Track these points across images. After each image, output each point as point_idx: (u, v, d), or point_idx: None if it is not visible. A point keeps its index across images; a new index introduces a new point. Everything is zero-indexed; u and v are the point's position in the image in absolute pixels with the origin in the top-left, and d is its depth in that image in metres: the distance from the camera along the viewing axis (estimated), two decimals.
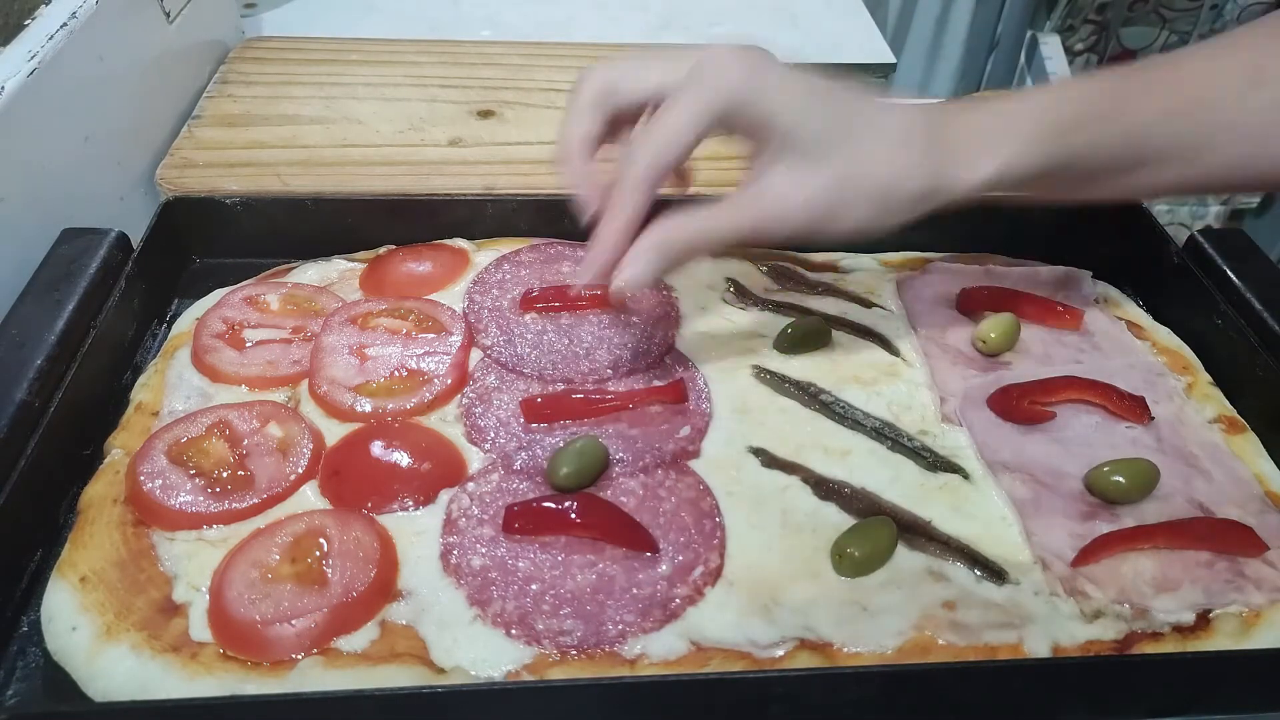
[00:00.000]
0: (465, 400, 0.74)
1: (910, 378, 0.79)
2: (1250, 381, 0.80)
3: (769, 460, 0.71)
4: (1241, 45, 0.69)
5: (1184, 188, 0.72)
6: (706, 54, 0.61)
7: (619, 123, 0.67)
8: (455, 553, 0.63)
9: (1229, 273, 0.87)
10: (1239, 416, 0.78)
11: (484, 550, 0.64)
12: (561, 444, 0.70)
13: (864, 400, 0.76)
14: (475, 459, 0.70)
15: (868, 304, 0.86)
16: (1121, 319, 0.87)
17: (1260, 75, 0.66)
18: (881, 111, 0.63)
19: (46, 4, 0.87)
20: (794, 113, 0.61)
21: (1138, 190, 0.71)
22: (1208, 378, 0.82)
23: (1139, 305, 0.90)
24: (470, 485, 0.68)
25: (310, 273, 0.86)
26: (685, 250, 0.64)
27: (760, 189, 0.63)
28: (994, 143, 0.64)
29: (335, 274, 0.86)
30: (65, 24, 0.85)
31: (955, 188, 0.64)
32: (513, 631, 0.59)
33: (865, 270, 0.90)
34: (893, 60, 1.37)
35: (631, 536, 0.64)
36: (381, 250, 0.88)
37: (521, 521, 0.64)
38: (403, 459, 0.69)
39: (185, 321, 0.81)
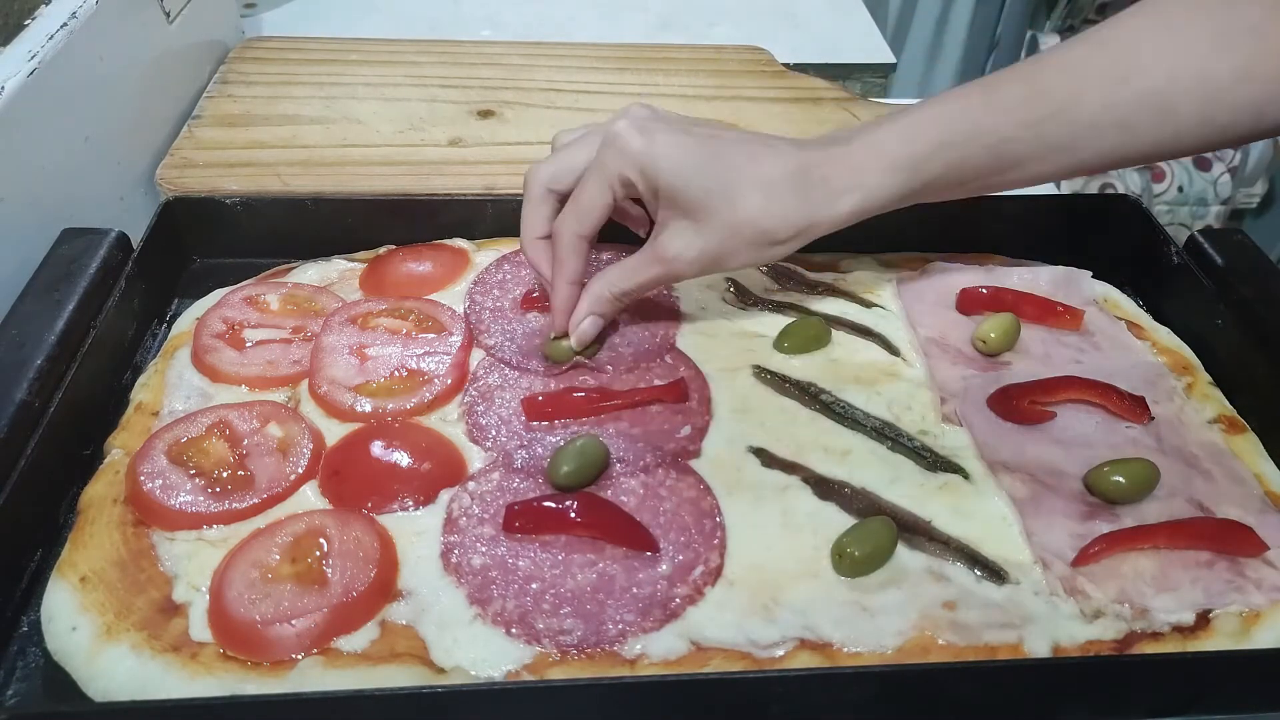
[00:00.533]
0: (467, 399, 0.75)
1: (910, 378, 0.79)
2: (1250, 381, 0.80)
3: (769, 460, 0.71)
4: (1109, 39, 0.71)
5: (1055, 178, 0.76)
6: (610, 131, 0.71)
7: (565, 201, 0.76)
8: (456, 552, 0.63)
9: (1229, 273, 0.87)
10: (1239, 416, 0.78)
11: (484, 549, 0.64)
12: (562, 443, 0.70)
13: (864, 400, 0.76)
14: (476, 458, 0.70)
15: (867, 304, 0.86)
16: (1121, 319, 0.87)
17: (1126, 71, 0.69)
18: (757, 163, 0.70)
19: (46, 4, 0.87)
20: (680, 180, 0.70)
21: (1010, 185, 0.75)
22: (1208, 378, 0.81)
23: (1139, 305, 0.90)
24: (471, 484, 0.68)
25: (310, 273, 0.86)
26: (614, 304, 0.76)
27: (659, 248, 0.73)
28: (854, 180, 0.71)
29: (335, 274, 0.86)
30: (65, 24, 0.85)
31: (822, 224, 0.72)
32: (513, 630, 0.59)
33: (865, 270, 0.90)
34: (893, 60, 1.37)
35: (632, 536, 0.64)
36: (381, 250, 0.88)
37: (522, 521, 0.65)
38: (403, 459, 0.69)
39: (185, 321, 0.81)
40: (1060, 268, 0.90)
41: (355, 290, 0.84)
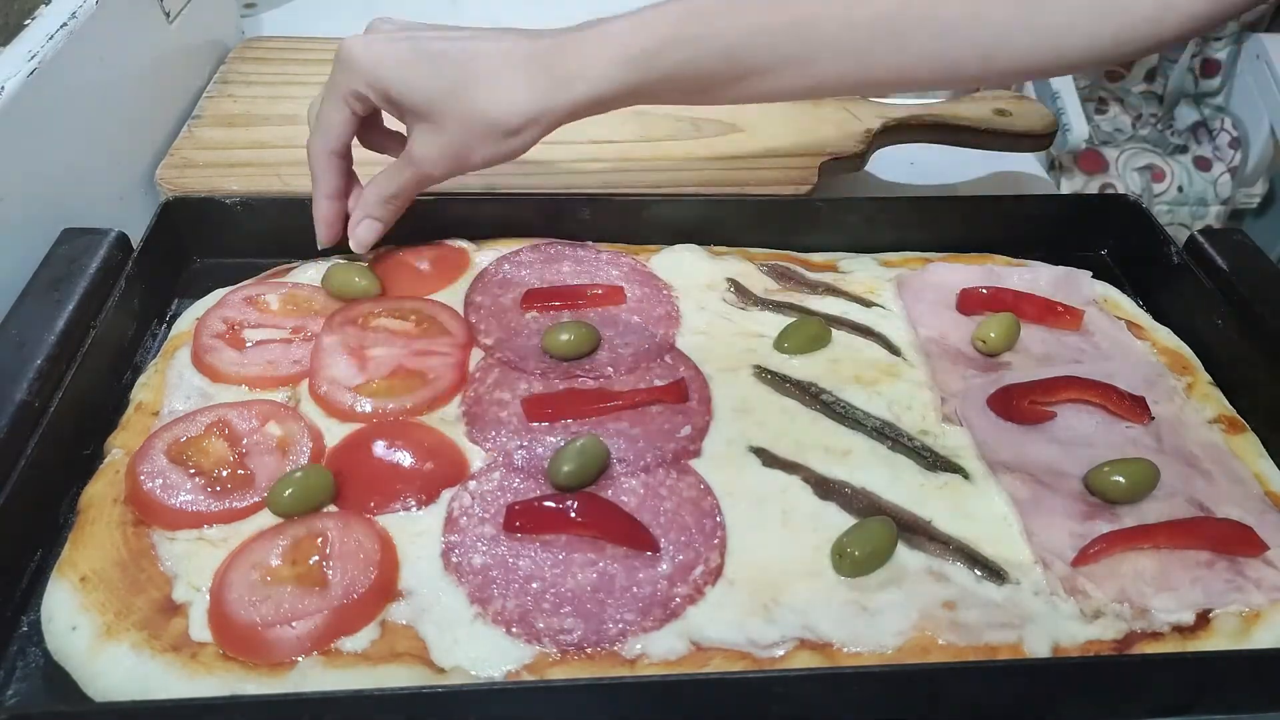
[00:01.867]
0: (467, 399, 0.74)
1: (911, 377, 0.79)
2: (1250, 381, 0.80)
3: (770, 460, 0.71)
4: None
5: (800, 95, 0.77)
6: (339, 48, 0.73)
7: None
8: (456, 551, 0.63)
9: (1229, 273, 0.87)
10: (1239, 416, 0.78)
11: (485, 548, 0.64)
12: (562, 443, 0.70)
13: (865, 400, 0.76)
14: (477, 458, 0.70)
15: (868, 303, 0.86)
16: (1121, 319, 0.87)
17: None
18: (482, 56, 0.72)
19: (46, 4, 0.87)
20: (406, 86, 0.71)
21: (756, 96, 0.75)
22: (1208, 378, 0.81)
23: (1139, 305, 0.90)
24: (472, 484, 0.68)
25: (310, 272, 0.86)
26: (383, 207, 0.80)
27: (407, 152, 0.76)
28: (583, 68, 0.71)
29: None
30: (65, 24, 0.85)
31: (555, 111, 0.73)
32: (513, 630, 0.59)
33: (865, 270, 0.90)
34: None
35: (632, 535, 0.64)
36: (381, 250, 0.88)
37: (522, 520, 0.65)
38: (405, 459, 0.69)
39: (185, 321, 0.81)
40: (1060, 268, 0.90)
41: None
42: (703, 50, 0.71)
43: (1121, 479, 0.69)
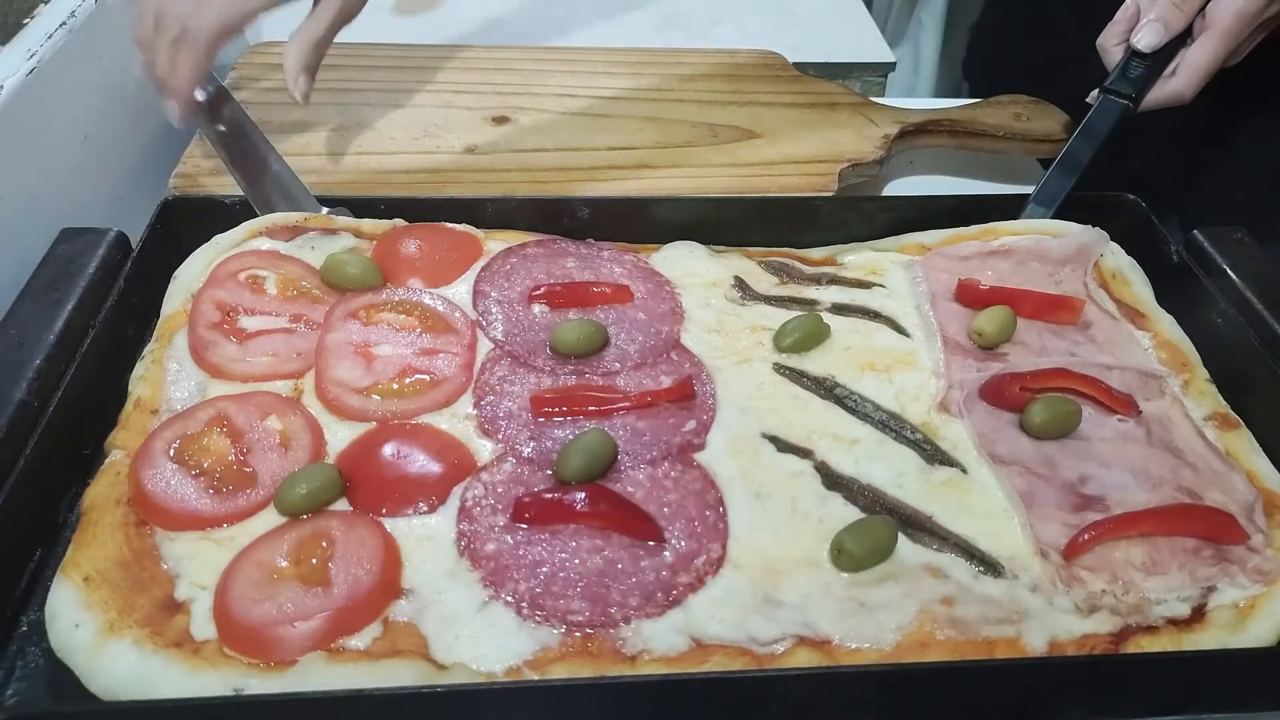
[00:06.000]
0: (476, 393, 0.74)
1: (920, 365, 0.79)
2: (1249, 381, 0.80)
3: (783, 446, 0.72)
4: None
5: None
6: None
7: None
8: (469, 539, 0.64)
9: (1229, 272, 0.87)
10: (1232, 413, 0.78)
11: (498, 536, 0.64)
12: (571, 435, 0.70)
13: (876, 389, 0.77)
14: (486, 452, 0.70)
15: (869, 285, 0.87)
16: (1126, 303, 0.86)
17: None
18: None
19: (46, 3, 0.87)
20: None
21: None
22: (1205, 374, 0.81)
23: (1148, 284, 0.89)
24: (484, 475, 0.68)
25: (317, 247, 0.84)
26: (310, 53, 0.92)
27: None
28: None
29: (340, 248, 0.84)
30: (64, 23, 0.85)
31: None
32: (524, 610, 0.60)
33: (864, 257, 0.91)
34: (893, 60, 1.37)
35: (637, 525, 0.65)
36: (382, 234, 0.87)
37: (531, 512, 0.65)
38: (415, 464, 0.69)
39: (177, 299, 0.79)
40: (1076, 227, 0.90)
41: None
42: None
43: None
